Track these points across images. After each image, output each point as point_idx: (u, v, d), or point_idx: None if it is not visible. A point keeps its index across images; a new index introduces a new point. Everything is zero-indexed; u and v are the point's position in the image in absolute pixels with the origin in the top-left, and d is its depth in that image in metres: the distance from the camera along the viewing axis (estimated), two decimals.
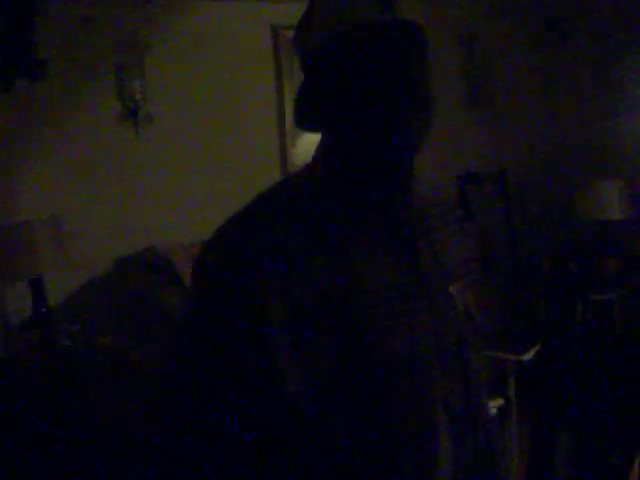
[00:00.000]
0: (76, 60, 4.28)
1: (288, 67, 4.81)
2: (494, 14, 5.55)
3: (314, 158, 1.27)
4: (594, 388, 4.67)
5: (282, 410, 1.12)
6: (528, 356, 4.21)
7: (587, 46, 5.42)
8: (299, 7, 4.24)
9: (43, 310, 3.76)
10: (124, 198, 4.44)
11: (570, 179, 5.48)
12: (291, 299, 1.11)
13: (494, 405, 4.26)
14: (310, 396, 1.11)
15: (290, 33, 4.73)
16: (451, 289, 1.26)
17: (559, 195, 5.63)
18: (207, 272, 1.19)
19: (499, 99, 5.59)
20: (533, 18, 5.69)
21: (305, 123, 1.25)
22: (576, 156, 5.58)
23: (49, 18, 3.95)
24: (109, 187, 4.40)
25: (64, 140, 4.29)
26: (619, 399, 4.54)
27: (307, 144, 4.71)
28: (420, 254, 1.23)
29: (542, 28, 5.71)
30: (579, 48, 5.51)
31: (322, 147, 1.25)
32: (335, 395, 1.11)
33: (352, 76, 1.15)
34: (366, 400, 1.13)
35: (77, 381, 3.42)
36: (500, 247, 5.44)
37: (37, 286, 3.76)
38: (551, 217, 5.71)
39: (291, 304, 1.10)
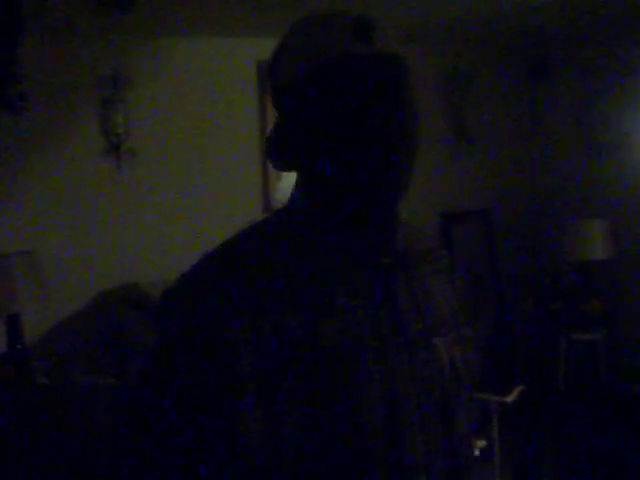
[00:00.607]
0: (59, 94, 4.27)
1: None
2: (479, 52, 5.59)
3: (290, 200, 1.19)
4: (578, 429, 4.64)
5: None
6: (512, 397, 4.18)
7: (571, 85, 5.46)
8: None
9: (18, 347, 3.70)
10: (105, 233, 4.41)
11: (554, 218, 5.50)
12: (260, 353, 1.01)
13: (477, 447, 4.22)
14: (277, 467, 1.01)
15: None
16: (437, 342, 1.16)
17: (542, 234, 5.64)
18: (170, 323, 1.10)
19: (483, 137, 5.61)
20: (517, 57, 5.73)
21: (279, 163, 1.16)
22: (560, 195, 5.60)
23: (32, 52, 3.93)
24: (90, 222, 4.37)
25: (45, 174, 4.26)
26: (602, 440, 4.51)
27: (292, 179, 4.69)
28: (400, 309, 1.13)
29: (526, 67, 5.75)
30: (563, 87, 5.55)
31: (297, 189, 1.18)
32: (305, 464, 1.01)
33: (327, 113, 1.06)
34: (339, 470, 1.02)
35: (52, 419, 3.36)
36: (483, 286, 5.43)
37: (13, 322, 3.70)
38: (534, 256, 5.71)
39: (260, 359, 1.01)
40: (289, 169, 1.17)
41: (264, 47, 4.74)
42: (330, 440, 1.02)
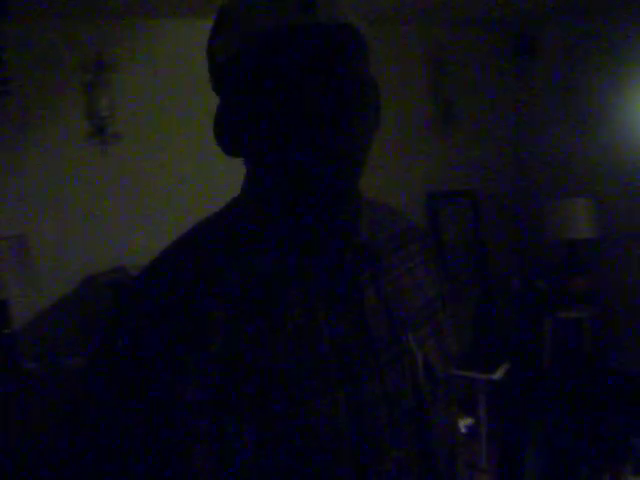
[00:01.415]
0: (43, 78, 4.25)
1: None
2: (462, 34, 5.59)
3: (242, 190, 1.10)
4: (564, 406, 4.68)
5: None
6: (498, 375, 4.22)
7: (555, 64, 5.46)
8: None
9: (6, 332, 3.70)
10: (92, 216, 4.41)
11: (539, 197, 5.52)
12: (209, 374, 0.92)
13: (464, 424, 4.26)
14: None
15: None
16: (409, 339, 1.06)
17: (528, 213, 5.67)
18: (113, 338, 0.99)
19: (468, 118, 5.62)
20: (502, 35, 5.73)
21: (227, 149, 1.07)
22: (544, 174, 5.62)
23: (14, 35, 3.92)
24: (76, 206, 4.37)
25: (31, 159, 4.25)
26: (588, 416, 4.55)
27: None
28: (365, 309, 1.03)
29: (511, 45, 5.75)
30: (547, 66, 5.56)
31: (246, 177, 1.09)
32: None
33: (267, 90, 0.95)
34: None
35: (42, 405, 3.37)
36: (469, 265, 5.46)
37: (2, 307, 3.71)
38: (520, 235, 5.74)
39: (209, 380, 0.92)
40: (236, 155, 1.08)
41: None
42: (291, 467, 0.92)
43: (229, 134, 1.05)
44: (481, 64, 5.68)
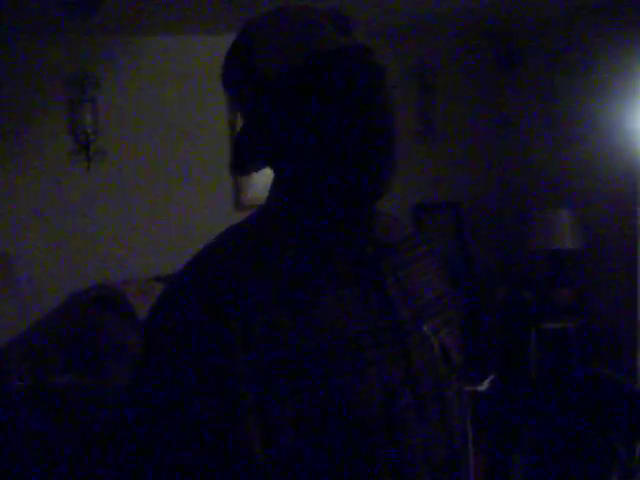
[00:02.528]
0: (26, 94, 4.25)
1: None
2: (446, 47, 5.62)
3: (269, 199, 1.17)
4: (550, 416, 4.69)
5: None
6: (484, 386, 4.22)
7: (538, 77, 5.50)
8: None
9: None
10: (75, 233, 4.40)
11: (523, 209, 5.54)
12: (254, 351, 0.99)
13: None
14: (277, 463, 0.99)
15: None
16: (425, 328, 1.15)
17: (512, 225, 5.69)
18: (162, 326, 1.07)
19: (452, 130, 5.65)
20: (484, 50, 5.77)
21: (248, 166, 1.14)
22: (528, 186, 5.65)
23: None
24: (60, 222, 4.36)
25: (14, 174, 4.25)
26: (574, 426, 4.56)
27: (263, 175, 4.70)
28: (389, 295, 1.13)
29: (493, 60, 5.79)
30: (529, 79, 5.60)
31: (277, 188, 1.15)
32: (302, 462, 1.00)
33: (314, 110, 1.03)
34: (340, 462, 1.01)
35: (28, 422, 3.35)
36: (454, 277, 5.47)
37: None
38: (505, 246, 5.76)
39: (255, 356, 0.99)
40: (256, 170, 1.16)
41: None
42: (328, 434, 1.00)
43: (261, 150, 1.11)
44: (465, 77, 5.71)
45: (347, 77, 1.02)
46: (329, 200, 1.09)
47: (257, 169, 1.16)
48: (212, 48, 4.77)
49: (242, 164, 1.15)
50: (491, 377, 4.30)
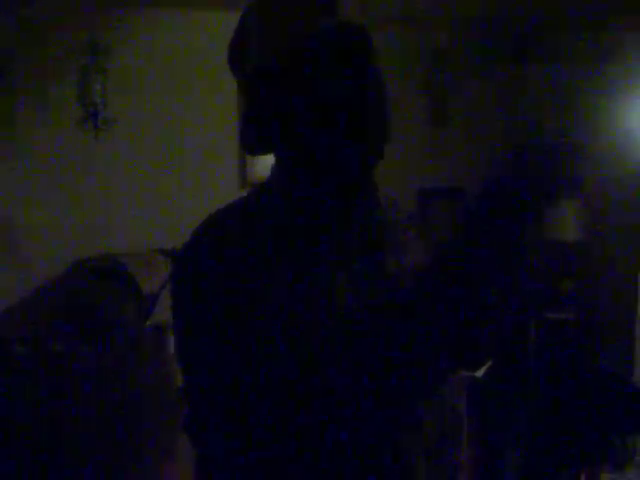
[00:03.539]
0: (37, 62, 4.24)
1: None
2: (460, 35, 5.59)
3: (269, 177, 1.24)
4: (546, 405, 4.70)
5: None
6: (480, 372, 4.23)
7: (549, 70, 5.48)
8: None
9: None
10: (80, 202, 4.40)
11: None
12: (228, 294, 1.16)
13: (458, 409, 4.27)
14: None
15: None
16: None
17: None
18: (185, 277, 1.21)
19: (462, 117, 5.63)
20: (498, 41, 5.74)
21: (256, 147, 1.20)
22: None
23: (8, 19, 3.90)
24: (66, 190, 4.36)
25: (22, 141, 4.24)
26: (570, 415, 4.57)
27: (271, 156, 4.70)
28: (353, 273, 1.22)
29: (507, 51, 5.76)
30: (545, 69, 5.57)
31: (276, 165, 1.23)
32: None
33: (304, 90, 1.10)
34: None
35: (29, 389, 3.37)
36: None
37: None
38: None
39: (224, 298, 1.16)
40: (267, 151, 1.20)
41: None
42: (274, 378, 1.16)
43: (264, 130, 1.17)
44: (478, 63, 5.68)
45: (330, 56, 1.08)
46: (324, 173, 1.15)
47: (263, 151, 1.21)
48: (224, 23, 4.75)
49: (248, 145, 1.20)
50: (488, 363, 4.30)
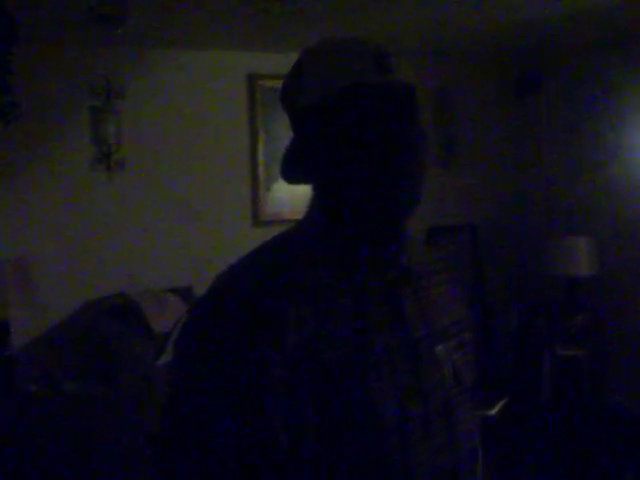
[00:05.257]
0: (50, 104, 4.30)
1: (262, 116, 4.85)
2: (466, 70, 5.64)
3: (307, 215, 1.25)
4: (560, 442, 4.66)
5: None
6: (495, 411, 4.21)
7: (558, 103, 5.51)
8: (275, 57, 4.33)
9: (6, 353, 3.71)
10: (95, 242, 4.43)
11: (539, 235, 5.54)
12: (286, 366, 1.06)
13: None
14: (299, 469, 1.06)
15: (265, 82, 4.83)
16: (439, 349, 1.23)
17: (528, 250, 5.69)
18: (198, 344, 1.12)
19: (470, 153, 5.66)
20: (505, 75, 5.79)
21: (293, 178, 1.23)
22: (546, 212, 5.65)
23: (24, 61, 3.96)
24: (80, 230, 4.39)
25: (36, 182, 4.29)
26: (582, 453, 4.54)
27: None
28: (407, 317, 1.20)
29: (513, 85, 5.81)
30: (549, 104, 5.61)
31: (314, 205, 1.24)
32: (325, 463, 1.07)
33: (349, 137, 1.13)
34: (356, 469, 1.08)
35: (41, 427, 3.36)
36: (468, 300, 5.46)
37: (3, 329, 3.72)
38: (520, 271, 5.75)
39: (286, 370, 1.05)
40: (301, 183, 1.23)
41: (254, 60, 4.82)
42: (345, 443, 1.07)
43: (304, 167, 1.20)
44: (484, 101, 5.73)
45: (381, 110, 1.12)
46: (361, 221, 1.18)
47: (300, 182, 1.23)
48: (235, 63, 4.84)
49: (287, 174, 1.23)
50: (503, 401, 4.29)
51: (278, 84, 1.29)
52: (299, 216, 1.27)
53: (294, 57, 1.23)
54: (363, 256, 1.19)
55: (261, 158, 4.87)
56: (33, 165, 4.29)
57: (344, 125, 1.13)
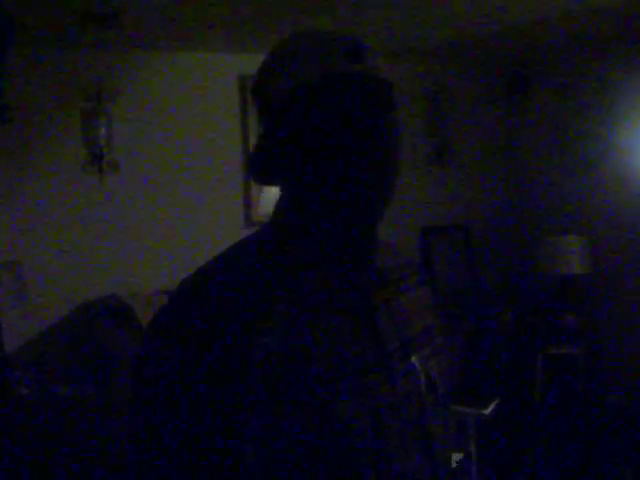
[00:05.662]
0: (42, 106, 4.29)
1: (254, 117, 4.85)
2: (458, 73, 5.65)
3: (274, 217, 1.20)
4: (554, 441, 4.67)
5: None
6: (489, 410, 4.22)
7: (549, 103, 5.53)
8: None
9: None
10: (87, 244, 4.42)
11: (531, 233, 5.56)
12: (259, 384, 1.01)
13: (454, 459, 4.24)
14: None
15: None
16: (413, 359, 1.18)
17: (521, 249, 5.70)
18: (159, 367, 1.06)
19: (462, 153, 5.67)
20: (496, 74, 5.80)
21: (262, 177, 1.18)
22: (538, 211, 5.66)
23: (15, 63, 3.95)
24: (72, 233, 4.38)
25: (27, 185, 4.28)
26: (578, 451, 4.55)
27: (273, 191, 4.73)
28: (379, 326, 1.15)
29: (504, 86, 5.82)
30: (540, 104, 5.62)
31: (282, 205, 1.19)
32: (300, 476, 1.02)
33: (318, 130, 1.07)
34: None
35: (33, 431, 3.36)
36: (462, 299, 5.47)
37: None
38: (513, 270, 5.76)
39: (258, 388, 1.00)
40: (271, 183, 1.18)
41: (245, 62, 4.83)
42: (322, 456, 1.02)
43: (272, 163, 1.15)
44: (476, 102, 5.74)
45: (351, 102, 1.07)
46: (330, 223, 1.12)
47: (269, 182, 1.19)
48: (226, 65, 4.84)
49: (255, 173, 1.19)
50: (496, 400, 4.29)
51: None
52: None
53: None
54: (334, 262, 1.14)
55: None
56: (24, 167, 4.28)
57: (314, 119, 1.07)
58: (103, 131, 4.40)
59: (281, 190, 1.19)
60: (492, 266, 5.71)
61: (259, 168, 1.17)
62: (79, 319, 4.31)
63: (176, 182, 4.70)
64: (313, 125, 1.07)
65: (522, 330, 5.20)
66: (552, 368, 5.01)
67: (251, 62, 4.76)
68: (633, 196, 4.86)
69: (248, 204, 4.89)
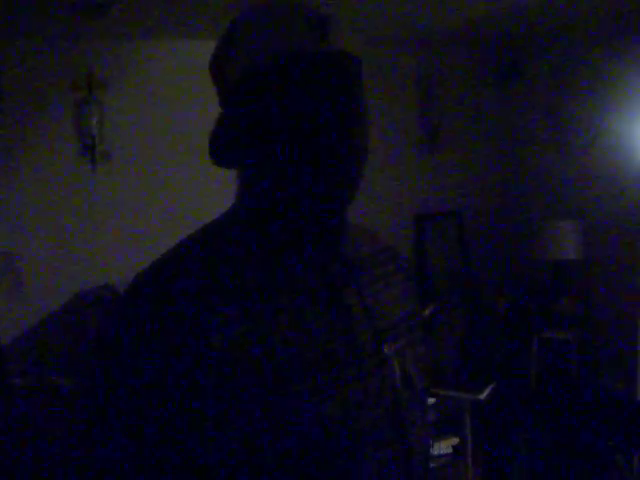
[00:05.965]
0: (33, 96, 4.27)
1: None
2: (449, 58, 5.64)
3: (235, 203, 1.16)
4: (549, 425, 4.69)
5: None
6: (484, 395, 4.23)
7: (541, 88, 5.52)
8: None
9: None
10: (80, 234, 4.41)
11: (526, 219, 5.56)
12: (214, 366, 0.97)
13: (449, 444, 4.27)
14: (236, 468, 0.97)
15: None
16: (387, 350, 1.12)
17: (515, 234, 5.70)
18: (119, 340, 1.03)
19: (455, 139, 5.66)
20: (488, 60, 5.79)
21: (222, 159, 1.13)
22: (532, 196, 5.66)
23: (6, 53, 3.94)
24: (65, 223, 4.38)
25: (20, 175, 4.27)
26: (573, 435, 4.56)
27: None
28: (351, 314, 1.09)
29: (496, 71, 5.81)
30: (533, 89, 5.62)
31: (242, 189, 1.15)
32: (262, 468, 0.97)
33: (282, 111, 1.02)
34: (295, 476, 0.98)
35: (29, 421, 3.36)
36: (456, 286, 5.48)
37: None
38: (507, 256, 5.76)
39: (214, 370, 0.97)
40: (231, 166, 1.14)
41: None
42: (275, 448, 0.98)
43: (232, 145, 1.10)
44: (468, 87, 5.73)
45: (318, 83, 1.01)
46: (295, 208, 1.07)
47: (229, 164, 1.14)
48: None
49: (215, 155, 1.14)
50: (491, 386, 4.31)
51: None
52: None
53: None
54: (300, 248, 1.09)
55: None
56: (17, 158, 4.26)
57: (275, 98, 1.02)
58: (95, 121, 4.40)
59: (242, 175, 1.14)
60: (486, 252, 5.71)
61: (219, 150, 1.13)
62: (73, 309, 4.31)
63: (169, 171, 4.68)
64: (276, 107, 1.02)
65: (517, 315, 5.21)
66: (547, 352, 5.03)
67: None
68: (626, 181, 4.85)
69: None
